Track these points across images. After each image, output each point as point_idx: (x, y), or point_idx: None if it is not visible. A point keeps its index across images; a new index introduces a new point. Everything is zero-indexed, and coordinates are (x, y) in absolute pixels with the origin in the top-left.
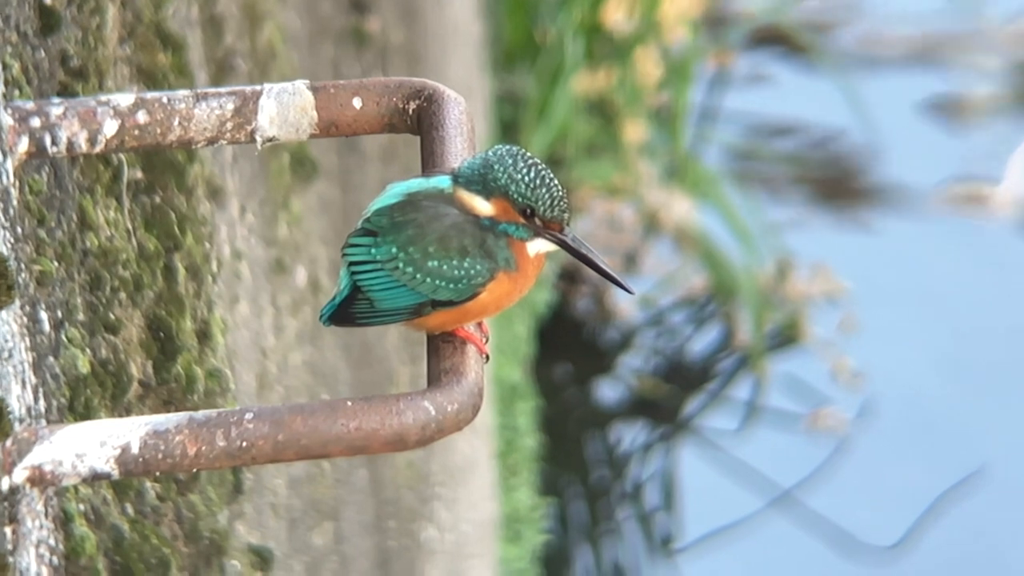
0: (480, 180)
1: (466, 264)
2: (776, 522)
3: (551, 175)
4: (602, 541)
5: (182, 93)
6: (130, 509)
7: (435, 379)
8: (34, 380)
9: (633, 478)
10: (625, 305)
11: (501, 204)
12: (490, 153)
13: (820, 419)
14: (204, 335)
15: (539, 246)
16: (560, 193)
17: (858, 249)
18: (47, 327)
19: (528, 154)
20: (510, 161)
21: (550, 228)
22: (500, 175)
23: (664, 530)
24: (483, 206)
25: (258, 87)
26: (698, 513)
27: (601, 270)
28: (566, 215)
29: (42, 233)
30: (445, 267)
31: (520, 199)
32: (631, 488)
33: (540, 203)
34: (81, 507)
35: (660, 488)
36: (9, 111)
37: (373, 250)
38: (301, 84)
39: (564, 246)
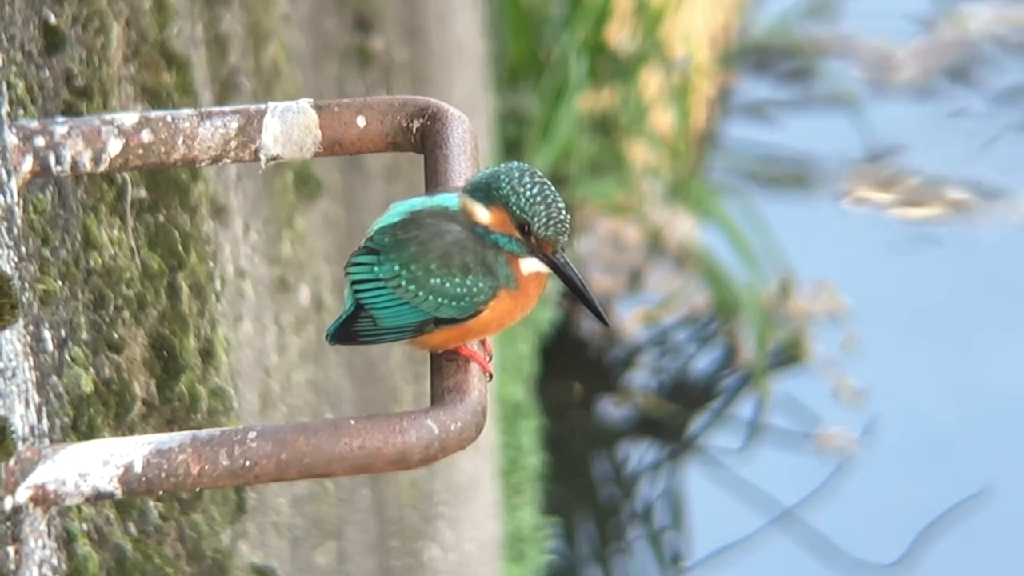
0: (485, 188)
1: (468, 281)
2: (779, 541)
3: (556, 196)
4: (611, 561)
5: (186, 112)
6: (133, 528)
7: (438, 397)
8: (37, 399)
9: (640, 497)
10: (629, 323)
11: (499, 215)
12: (503, 166)
13: (827, 439)
14: (207, 354)
15: (531, 265)
16: (559, 215)
17: (859, 266)
18: (51, 346)
19: (539, 174)
20: (517, 175)
21: (543, 248)
22: (504, 185)
23: (673, 549)
24: (482, 213)
25: (262, 106)
26: (704, 531)
27: (584, 298)
28: (561, 237)
29: (46, 252)
30: (447, 284)
31: (518, 211)
32: (639, 507)
33: (536, 219)
34: (84, 527)
35: (667, 507)
36: (14, 130)
37: (376, 268)
38: (305, 103)
39: (553, 268)
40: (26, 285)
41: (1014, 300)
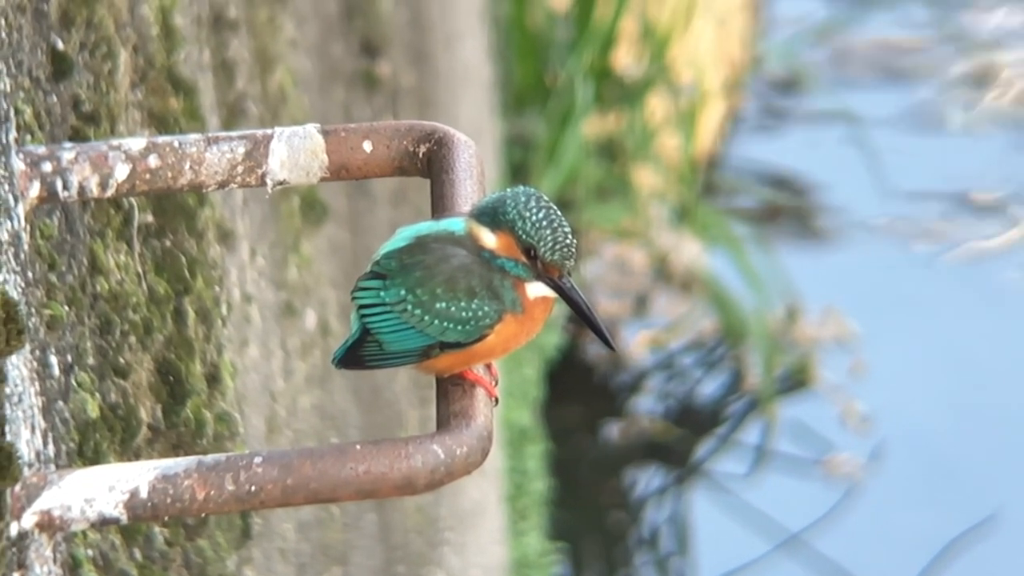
0: (491, 212)
1: (474, 306)
2: (787, 567)
3: (563, 221)
4: None
5: (193, 137)
6: (138, 554)
7: (444, 422)
8: (43, 425)
9: (646, 522)
10: (635, 348)
11: (505, 239)
12: (509, 190)
13: (834, 465)
14: (213, 379)
15: (537, 289)
16: (565, 239)
17: (867, 290)
18: (57, 371)
19: (545, 198)
20: (523, 199)
21: (549, 272)
22: (510, 210)
23: (679, 575)
24: (488, 238)
25: (269, 131)
26: (711, 558)
27: (590, 322)
28: (568, 262)
29: (53, 277)
30: (453, 309)
31: (524, 236)
32: (645, 532)
33: (542, 244)
34: (90, 552)
35: (673, 533)
36: (21, 156)
37: (382, 293)
38: (312, 128)
39: (559, 292)
40: (33, 310)
41: (1021, 323)
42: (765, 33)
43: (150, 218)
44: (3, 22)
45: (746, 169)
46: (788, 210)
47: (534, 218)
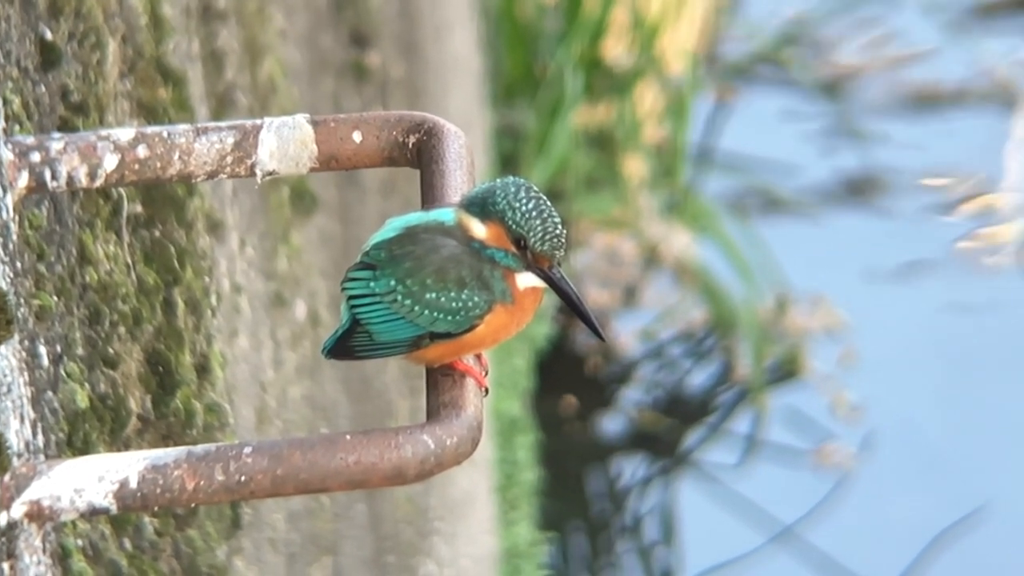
0: (481, 203)
1: (464, 296)
2: (776, 557)
3: (552, 211)
4: (602, 575)
5: (182, 127)
6: (128, 544)
7: (434, 413)
8: (33, 415)
9: (633, 512)
10: (625, 338)
11: (495, 229)
12: (499, 180)
13: (825, 455)
14: (203, 369)
15: (527, 280)
16: (555, 230)
17: (856, 278)
18: (46, 362)
19: (535, 189)
20: (513, 190)
21: (539, 262)
22: (500, 200)
23: (664, 564)
24: (478, 228)
25: (258, 121)
26: (698, 548)
27: (580, 312)
28: (558, 252)
29: (42, 268)
30: (443, 299)
31: (514, 226)
32: (631, 522)
33: (532, 234)
34: (79, 542)
35: (660, 522)
36: (9, 146)
37: (372, 283)
38: (301, 118)
39: (549, 282)
40: (22, 300)
41: (1014, 313)
42: (748, 25)
43: (139, 208)
44: None
45: (730, 157)
46: (776, 198)
47: (524, 208)
